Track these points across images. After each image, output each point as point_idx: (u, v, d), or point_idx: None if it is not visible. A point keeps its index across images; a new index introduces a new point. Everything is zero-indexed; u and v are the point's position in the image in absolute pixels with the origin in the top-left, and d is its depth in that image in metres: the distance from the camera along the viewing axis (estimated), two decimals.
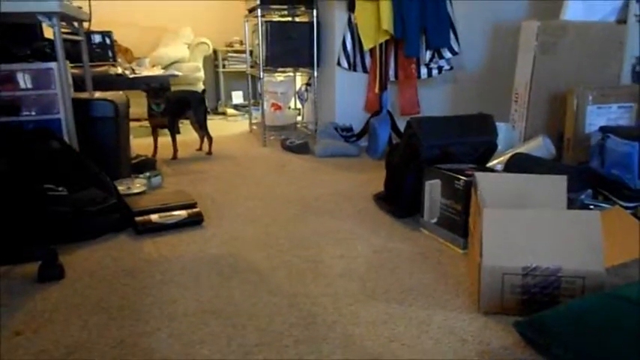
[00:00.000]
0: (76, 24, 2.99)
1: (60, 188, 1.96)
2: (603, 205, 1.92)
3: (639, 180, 1.95)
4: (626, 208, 1.87)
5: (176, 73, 4.85)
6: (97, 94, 2.80)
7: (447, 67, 3.66)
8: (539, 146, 2.56)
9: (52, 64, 2.37)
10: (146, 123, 4.99)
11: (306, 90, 4.48)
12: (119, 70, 4.32)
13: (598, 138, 2.15)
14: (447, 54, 3.57)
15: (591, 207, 1.88)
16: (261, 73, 3.93)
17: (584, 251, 1.36)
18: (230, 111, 5.85)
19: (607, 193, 1.99)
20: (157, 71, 4.72)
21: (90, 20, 2.99)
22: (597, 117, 2.51)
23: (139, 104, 4.46)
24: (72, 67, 3.20)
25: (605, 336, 1.09)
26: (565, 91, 2.60)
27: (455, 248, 1.91)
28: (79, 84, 3.22)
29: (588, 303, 1.21)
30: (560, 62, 2.77)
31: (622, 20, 2.89)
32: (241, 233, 2.10)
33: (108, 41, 4.42)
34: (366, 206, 2.44)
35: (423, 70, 3.65)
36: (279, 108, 4.51)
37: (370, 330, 1.37)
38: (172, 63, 5.15)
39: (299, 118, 4.82)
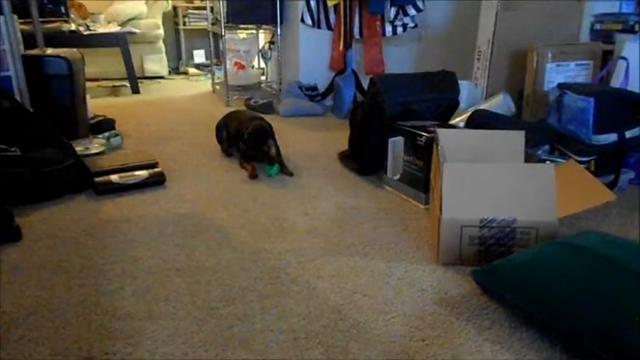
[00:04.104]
0: None
1: (13, 148, 1.88)
2: (559, 159, 1.98)
3: (594, 135, 2.01)
4: (581, 162, 1.94)
5: (133, 30, 4.66)
6: (50, 51, 2.67)
7: (411, 24, 3.64)
8: (500, 103, 2.60)
9: None
10: (104, 83, 4.85)
11: (270, 48, 4.39)
12: (72, 27, 4.12)
13: (555, 94, 2.20)
14: (412, 11, 3.54)
15: (547, 162, 1.93)
16: (223, 31, 3.82)
17: (538, 203, 1.41)
18: (192, 70, 5.69)
19: (563, 149, 2.05)
20: (113, 28, 4.53)
21: None
22: (556, 74, 2.56)
23: (94, 63, 4.30)
24: (21, 23, 3.03)
25: (552, 281, 1.15)
26: (526, 49, 2.63)
27: (417, 204, 1.94)
28: (29, 41, 3.06)
29: (538, 251, 1.27)
30: (522, 19, 2.80)
31: None
32: (204, 193, 2.08)
33: None
34: (331, 165, 2.45)
35: (388, 28, 3.62)
36: (242, 67, 4.41)
37: (333, 283, 1.40)
38: (129, 20, 4.93)
39: (263, 78, 4.74)
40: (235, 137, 2.46)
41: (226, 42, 4.01)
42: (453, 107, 2.28)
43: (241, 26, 4.13)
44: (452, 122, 2.38)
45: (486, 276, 1.29)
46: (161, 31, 5.22)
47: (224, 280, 1.41)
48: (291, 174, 2.28)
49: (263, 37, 4.65)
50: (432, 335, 1.18)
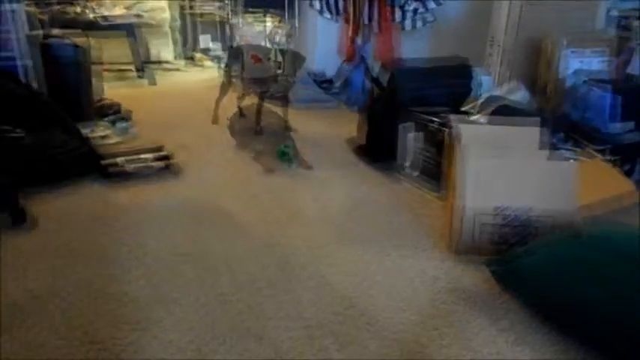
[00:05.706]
0: None
1: (18, 130, 1.85)
2: (573, 148, 1.94)
3: (610, 124, 1.96)
4: (596, 151, 1.89)
5: (140, 14, 4.61)
6: (55, 32, 2.64)
7: (430, 18, 3.55)
8: (514, 91, 2.54)
9: None
10: (110, 67, 4.78)
11: (277, 33, 4.32)
12: (78, 10, 4.07)
13: (572, 83, 2.15)
14: (431, 4, 3.45)
15: (562, 150, 1.89)
16: (239, 19, 3.76)
17: (556, 192, 1.38)
18: (199, 56, 5.62)
19: (578, 137, 2.00)
20: (120, 11, 4.47)
21: None
22: (572, 62, 2.49)
23: (101, 47, 4.25)
24: (27, 5, 2.99)
25: (580, 284, 1.10)
26: (541, 36, 2.57)
27: (429, 193, 1.91)
28: (35, 23, 3.02)
29: (564, 251, 1.20)
30: (538, 7, 2.72)
31: None
32: (215, 180, 2.05)
33: None
34: (343, 154, 2.40)
35: (407, 21, 3.53)
36: (259, 60, 4.32)
37: (344, 270, 1.37)
38: (136, 3, 4.87)
39: (279, 71, 4.64)
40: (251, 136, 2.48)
41: (238, 29, 3.94)
42: (465, 94, 2.24)
43: (257, 13, 4.07)
44: (474, 118, 2.33)
45: (504, 268, 1.25)
46: (167, 15, 5.15)
47: (233, 267, 1.38)
48: (310, 167, 2.22)
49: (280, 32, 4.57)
50: (445, 325, 1.15)
